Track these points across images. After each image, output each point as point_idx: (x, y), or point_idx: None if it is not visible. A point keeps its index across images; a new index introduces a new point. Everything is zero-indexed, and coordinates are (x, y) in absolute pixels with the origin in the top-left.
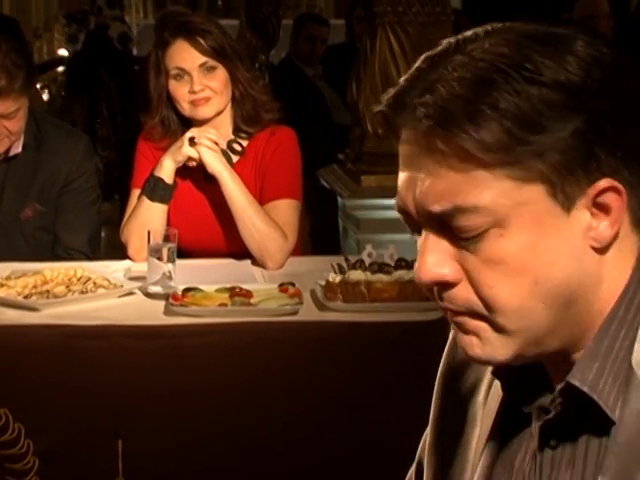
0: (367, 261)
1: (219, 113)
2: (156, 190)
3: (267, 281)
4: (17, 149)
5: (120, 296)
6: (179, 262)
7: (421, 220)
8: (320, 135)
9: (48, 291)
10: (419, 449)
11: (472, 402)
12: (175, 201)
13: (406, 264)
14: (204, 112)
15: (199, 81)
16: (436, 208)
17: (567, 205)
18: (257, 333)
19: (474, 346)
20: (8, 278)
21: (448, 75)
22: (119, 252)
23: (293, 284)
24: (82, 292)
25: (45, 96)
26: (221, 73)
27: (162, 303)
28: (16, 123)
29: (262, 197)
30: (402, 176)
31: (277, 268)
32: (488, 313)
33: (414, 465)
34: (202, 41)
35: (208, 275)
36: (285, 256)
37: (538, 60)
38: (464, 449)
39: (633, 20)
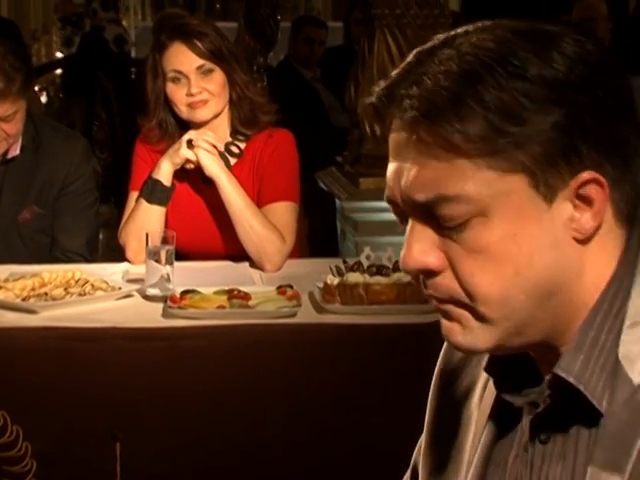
0: (365, 263)
1: (216, 115)
2: (154, 192)
3: (265, 283)
4: (15, 152)
5: (118, 298)
6: (177, 264)
7: (407, 209)
8: (318, 137)
9: (46, 293)
10: (414, 454)
11: (467, 404)
12: (173, 203)
13: None
14: (202, 115)
15: (196, 84)
16: (420, 197)
17: (549, 196)
18: (255, 335)
19: (456, 334)
20: (6, 280)
21: (435, 68)
22: (117, 254)
23: (291, 286)
24: (80, 294)
25: (43, 98)
26: (218, 75)
27: (160, 305)
28: (14, 126)
29: (260, 200)
30: (390, 167)
31: (275, 270)
32: (470, 302)
33: (409, 470)
34: (199, 44)
35: (206, 277)
36: (283, 258)
37: (523, 55)
38: (458, 451)
39: (631, 22)
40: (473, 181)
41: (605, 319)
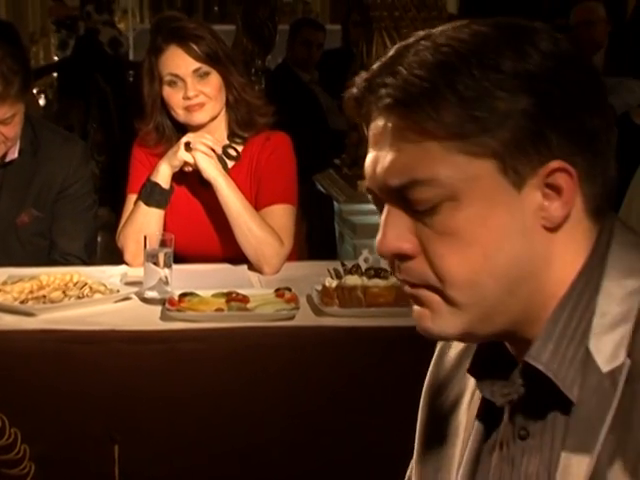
0: (363, 266)
1: (213, 118)
2: (152, 195)
3: (263, 286)
4: (13, 155)
5: (116, 301)
6: (175, 267)
7: (383, 196)
8: (316, 140)
9: (44, 296)
10: (408, 470)
11: (455, 414)
12: (171, 206)
13: None
14: (199, 118)
15: (193, 87)
16: (394, 182)
17: (518, 183)
18: (253, 338)
19: (426, 319)
20: (4, 283)
21: (412, 58)
22: (115, 257)
23: (289, 289)
24: (78, 297)
25: (42, 101)
26: (215, 78)
27: (158, 308)
28: (12, 129)
29: (257, 202)
30: (368, 156)
31: (273, 273)
32: (440, 285)
33: None
34: (195, 47)
35: (204, 280)
36: (281, 261)
37: (498, 48)
38: (448, 461)
39: (629, 25)
40: (444, 165)
41: (575, 310)
